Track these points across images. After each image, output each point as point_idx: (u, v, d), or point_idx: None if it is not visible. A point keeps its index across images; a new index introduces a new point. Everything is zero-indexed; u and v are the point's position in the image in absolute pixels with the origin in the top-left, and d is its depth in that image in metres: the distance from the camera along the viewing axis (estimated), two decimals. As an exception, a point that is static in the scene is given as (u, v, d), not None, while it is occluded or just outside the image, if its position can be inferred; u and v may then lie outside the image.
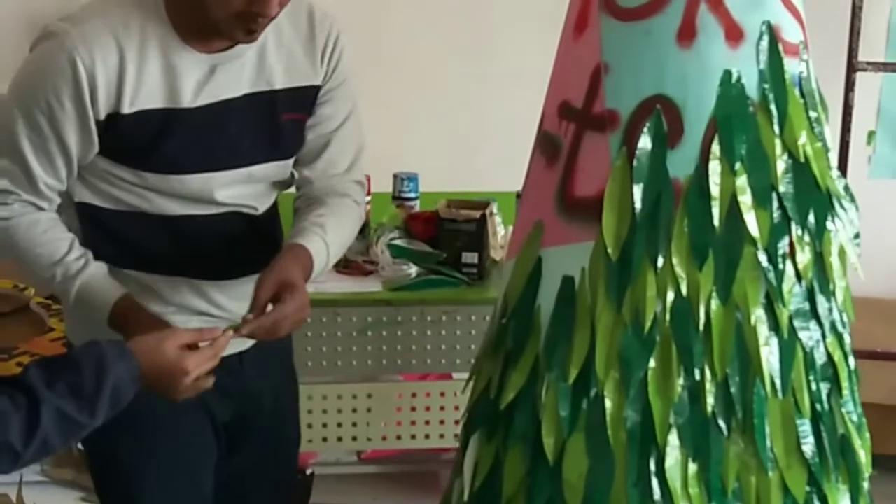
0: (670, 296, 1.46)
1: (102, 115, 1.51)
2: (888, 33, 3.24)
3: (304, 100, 1.65)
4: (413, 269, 2.39)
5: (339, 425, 2.49)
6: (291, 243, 1.62)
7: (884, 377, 2.92)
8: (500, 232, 2.51)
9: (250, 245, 1.67)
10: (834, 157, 1.57)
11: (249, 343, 1.67)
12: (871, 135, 3.30)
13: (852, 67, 2.92)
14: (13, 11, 3.00)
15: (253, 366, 1.73)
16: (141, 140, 1.54)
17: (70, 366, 1.30)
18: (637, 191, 1.46)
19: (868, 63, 2.95)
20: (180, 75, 1.53)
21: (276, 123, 1.63)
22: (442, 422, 2.52)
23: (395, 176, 2.67)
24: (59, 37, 1.49)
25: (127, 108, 1.52)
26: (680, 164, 1.47)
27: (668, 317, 1.46)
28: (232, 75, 1.57)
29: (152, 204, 1.59)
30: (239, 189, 1.64)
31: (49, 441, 1.27)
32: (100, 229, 1.62)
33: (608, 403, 1.46)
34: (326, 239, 1.63)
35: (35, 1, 2.92)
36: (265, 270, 1.55)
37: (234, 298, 1.65)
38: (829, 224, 1.51)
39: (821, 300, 1.49)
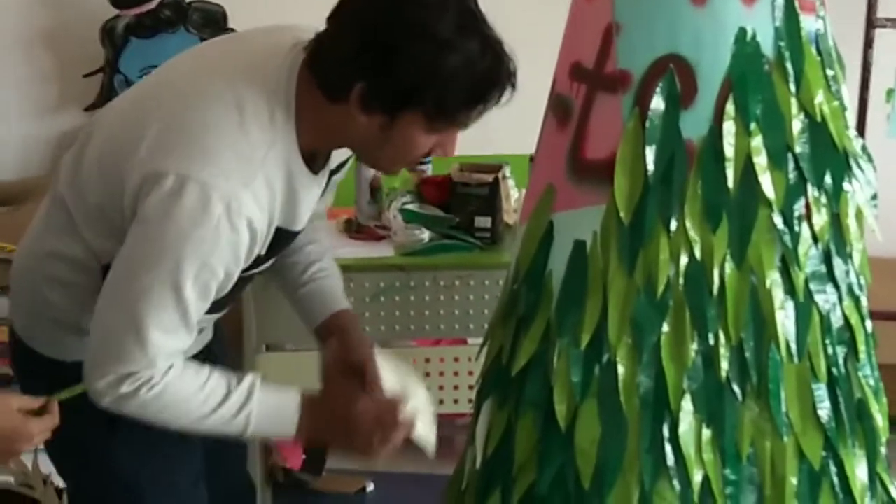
0: (683, 259, 1.44)
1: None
2: (909, -12, 3.18)
3: (339, 167, 1.62)
4: (426, 234, 2.37)
5: (353, 391, 2.49)
6: (349, 312, 1.67)
7: (903, 338, 2.89)
8: (514, 195, 2.48)
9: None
10: (852, 116, 1.54)
11: (212, 333, 1.71)
12: (890, 92, 3.24)
13: (871, 24, 2.87)
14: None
15: (215, 344, 1.74)
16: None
17: None
18: (650, 152, 1.44)
19: (887, 19, 2.90)
20: (301, 203, 1.48)
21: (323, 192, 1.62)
22: (456, 387, 2.51)
23: (406, 140, 2.65)
24: (234, 204, 1.36)
25: (265, 252, 1.48)
26: (693, 125, 1.44)
27: (681, 281, 1.44)
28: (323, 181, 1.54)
29: None
30: None
31: None
32: None
33: (621, 369, 1.44)
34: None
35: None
36: (363, 350, 1.61)
37: None
38: (846, 185, 1.48)
39: (837, 262, 1.47)
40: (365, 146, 1.45)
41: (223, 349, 1.81)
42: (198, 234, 1.36)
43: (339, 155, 1.57)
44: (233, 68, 1.45)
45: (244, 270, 1.48)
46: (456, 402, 2.49)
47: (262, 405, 1.47)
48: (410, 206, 2.41)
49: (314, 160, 1.48)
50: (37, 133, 3.02)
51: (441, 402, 2.52)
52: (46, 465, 2.17)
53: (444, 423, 2.87)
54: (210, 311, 1.50)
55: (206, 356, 1.67)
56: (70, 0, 2.96)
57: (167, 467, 1.62)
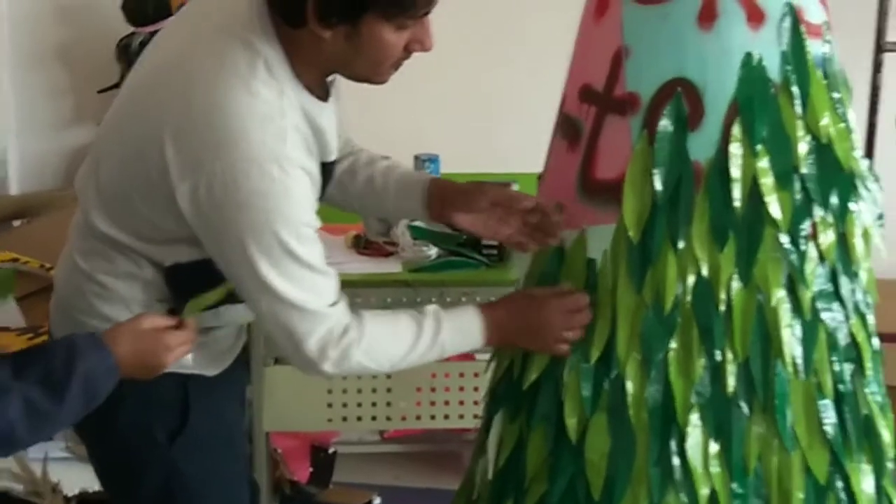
0: (691, 278, 1.47)
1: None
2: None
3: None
4: (433, 251, 2.40)
5: (360, 405, 2.51)
6: (436, 178, 1.71)
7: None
8: (521, 213, 2.51)
9: None
10: (861, 139, 1.57)
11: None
12: (900, 116, 3.27)
13: (880, 48, 2.90)
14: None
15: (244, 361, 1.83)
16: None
17: (40, 355, 1.28)
18: (658, 173, 1.47)
19: (896, 44, 2.93)
20: (325, 132, 1.52)
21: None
22: (461, 402, 2.53)
23: (416, 157, 2.68)
24: (280, 161, 1.40)
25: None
26: (701, 147, 1.47)
27: (689, 298, 1.47)
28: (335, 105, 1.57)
29: None
30: None
31: (16, 430, 1.23)
32: (188, 278, 1.54)
33: (629, 384, 1.47)
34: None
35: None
36: (483, 187, 1.64)
37: None
38: (852, 205, 1.51)
39: (844, 281, 1.49)
40: (343, 62, 1.47)
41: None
42: (273, 204, 1.40)
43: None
44: (211, 31, 1.47)
45: None
46: (461, 416, 2.51)
47: (450, 328, 1.51)
48: (418, 223, 2.44)
49: (318, 88, 1.50)
50: (52, 147, 3.05)
51: (446, 416, 2.55)
52: (55, 474, 2.20)
53: (450, 438, 2.91)
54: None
55: (245, 375, 1.73)
56: (86, 17, 2.99)
57: (227, 475, 1.67)
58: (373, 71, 1.48)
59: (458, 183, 1.68)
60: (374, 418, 2.53)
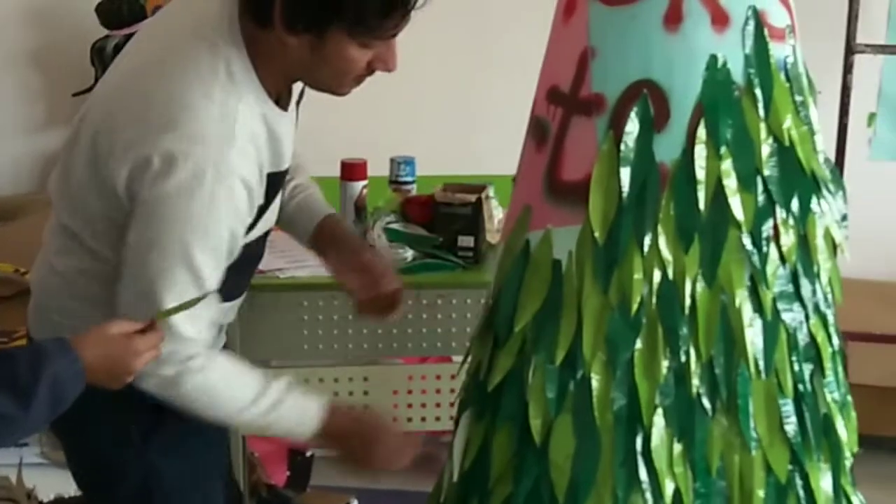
0: (657, 278, 1.47)
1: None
2: (889, 16, 3.24)
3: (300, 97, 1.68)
4: (409, 253, 2.40)
5: (337, 408, 2.51)
6: (334, 216, 1.73)
7: (879, 359, 2.93)
8: (497, 216, 2.51)
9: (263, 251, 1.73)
10: (832, 139, 1.59)
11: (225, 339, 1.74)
12: (871, 117, 3.30)
13: (850, 49, 2.92)
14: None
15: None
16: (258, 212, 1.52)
17: (6, 360, 1.27)
18: (624, 174, 1.48)
19: (867, 45, 2.95)
20: (282, 141, 1.52)
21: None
22: (438, 405, 2.54)
23: (391, 160, 2.68)
24: (218, 166, 1.40)
25: (264, 199, 1.51)
26: (666, 149, 1.48)
27: (654, 299, 1.47)
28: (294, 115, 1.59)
29: None
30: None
31: None
32: None
33: (595, 385, 1.48)
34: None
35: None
36: (348, 252, 1.69)
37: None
38: (814, 206, 1.52)
39: (804, 282, 1.50)
40: (306, 70, 1.47)
41: None
42: (195, 206, 1.40)
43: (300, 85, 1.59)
44: (179, 29, 1.48)
45: (252, 224, 1.51)
46: (438, 419, 2.52)
47: (292, 407, 1.52)
48: (394, 226, 2.44)
49: (280, 97, 1.51)
50: (26, 151, 3.05)
51: (423, 419, 2.55)
52: (30, 479, 2.19)
53: (428, 440, 2.91)
54: (231, 290, 1.54)
55: None
56: (60, 20, 2.99)
57: (204, 472, 1.67)
58: (335, 83, 1.49)
59: (348, 233, 1.74)
60: (350, 421, 2.53)
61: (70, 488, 2.22)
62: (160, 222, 1.41)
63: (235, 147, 1.42)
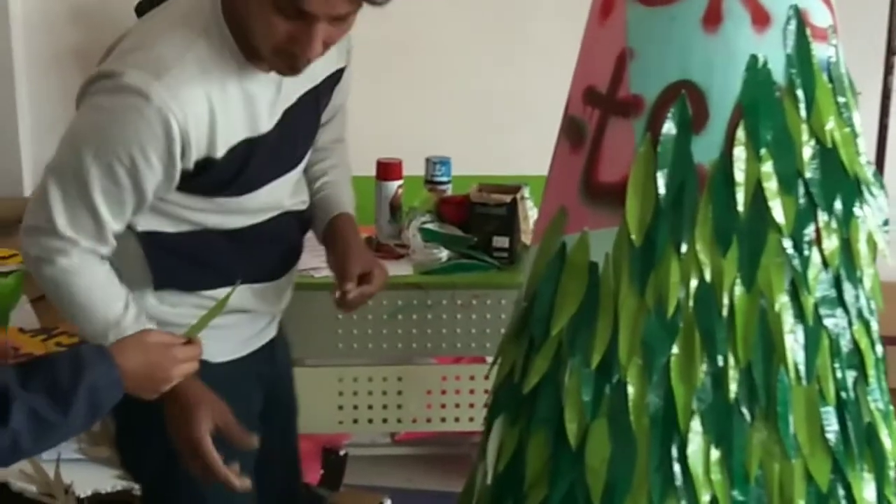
0: (694, 282, 1.45)
1: (192, 165, 1.48)
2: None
3: (334, 83, 1.68)
4: (444, 253, 2.40)
5: (370, 407, 2.52)
6: (346, 215, 1.71)
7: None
8: (533, 216, 2.50)
9: (297, 241, 1.72)
10: (871, 141, 1.56)
11: (276, 331, 1.75)
12: (913, 118, 3.24)
13: (892, 50, 2.88)
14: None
15: (279, 348, 1.79)
16: (227, 174, 1.52)
17: (46, 366, 1.28)
18: (661, 177, 1.46)
19: (909, 45, 2.90)
20: (257, 102, 1.51)
21: (317, 115, 1.66)
22: (472, 405, 2.53)
23: (427, 160, 2.68)
24: (146, 93, 1.41)
25: (219, 153, 1.49)
26: (705, 150, 1.46)
27: (691, 303, 1.45)
28: (289, 85, 1.56)
29: (220, 221, 1.59)
30: (294, 187, 1.67)
31: (19, 440, 1.23)
32: (167, 254, 1.58)
33: (630, 389, 1.46)
34: (351, 204, 1.76)
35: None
36: (345, 247, 1.66)
37: (279, 293, 1.72)
38: (856, 210, 1.49)
39: (847, 287, 1.48)
40: (245, 27, 1.46)
41: (288, 364, 1.86)
42: (104, 116, 1.44)
43: (325, 64, 1.58)
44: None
45: (245, 190, 1.54)
46: (471, 419, 2.51)
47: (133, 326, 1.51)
48: (429, 226, 2.44)
49: (264, 61, 1.48)
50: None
51: (457, 419, 2.55)
52: (68, 475, 2.21)
53: (461, 440, 2.91)
54: (248, 271, 1.58)
55: (269, 362, 1.74)
56: (100, 19, 3.01)
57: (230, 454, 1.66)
58: (259, 46, 1.46)
59: (356, 236, 1.72)
60: (384, 420, 2.53)
61: (108, 484, 2.25)
62: (75, 123, 1.47)
63: (174, 75, 1.42)
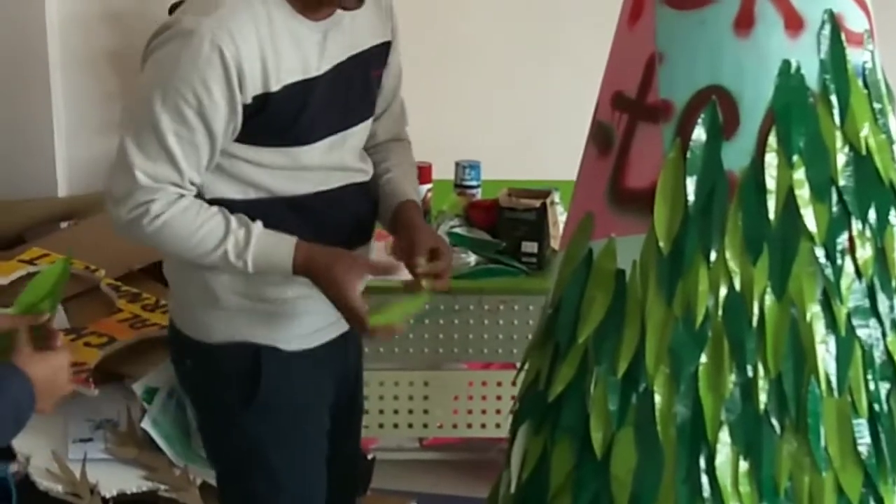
0: (723, 290, 1.43)
1: (250, 99, 1.54)
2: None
3: (383, 56, 1.72)
4: (472, 258, 2.39)
5: (396, 412, 2.51)
6: (411, 201, 1.73)
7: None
8: (562, 221, 2.49)
9: (365, 215, 1.74)
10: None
11: (347, 326, 1.74)
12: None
13: (932, 54, 2.82)
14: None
15: (352, 342, 1.81)
16: (286, 115, 1.58)
17: None
18: (690, 183, 1.44)
19: (949, 49, 2.84)
20: (305, 44, 1.58)
21: (369, 82, 1.70)
22: (498, 411, 2.52)
23: (457, 164, 2.67)
24: (197, 30, 1.50)
25: (274, 86, 1.55)
26: (735, 157, 1.44)
27: (720, 312, 1.43)
28: (337, 41, 1.62)
29: (285, 185, 1.62)
30: (356, 152, 1.70)
31: None
32: None
33: (658, 398, 1.44)
34: (416, 193, 1.78)
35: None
36: (411, 227, 1.68)
37: None
38: (892, 219, 1.47)
39: (882, 298, 1.45)
40: None
41: (359, 364, 1.88)
42: (164, 63, 1.52)
43: (370, 31, 1.65)
44: None
45: (304, 139, 1.59)
46: (498, 426, 2.50)
47: (259, 247, 1.57)
48: (458, 230, 2.43)
49: (310, 8, 1.57)
50: (101, 151, 3.09)
51: (483, 425, 2.54)
52: (94, 475, 2.22)
53: (489, 446, 2.90)
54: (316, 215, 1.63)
55: (342, 357, 1.77)
56: (136, 21, 3.03)
57: (297, 439, 1.72)
58: None
59: (422, 219, 1.74)
60: (410, 426, 2.53)
61: (133, 485, 2.26)
62: (143, 77, 1.57)
63: (222, 13, 1.50)
